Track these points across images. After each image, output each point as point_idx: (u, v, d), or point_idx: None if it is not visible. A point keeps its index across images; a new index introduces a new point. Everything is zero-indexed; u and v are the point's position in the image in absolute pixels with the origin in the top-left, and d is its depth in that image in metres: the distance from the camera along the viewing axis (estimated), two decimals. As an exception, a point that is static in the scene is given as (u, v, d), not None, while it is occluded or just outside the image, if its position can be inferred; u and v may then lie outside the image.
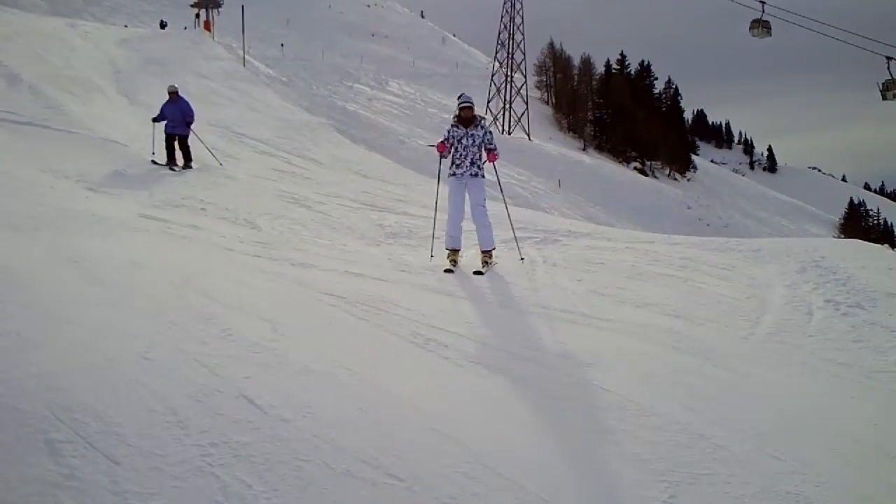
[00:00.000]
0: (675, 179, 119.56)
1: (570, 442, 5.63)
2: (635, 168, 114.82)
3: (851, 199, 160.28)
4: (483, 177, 11.82)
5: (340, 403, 5.48)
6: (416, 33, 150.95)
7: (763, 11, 35.75)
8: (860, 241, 21.25)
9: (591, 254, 13.83)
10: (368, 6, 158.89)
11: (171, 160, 20.34)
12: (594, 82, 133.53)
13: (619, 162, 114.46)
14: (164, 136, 20.55)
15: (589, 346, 7.73)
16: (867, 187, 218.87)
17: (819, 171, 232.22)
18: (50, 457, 4.21)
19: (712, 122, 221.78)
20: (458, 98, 11.90)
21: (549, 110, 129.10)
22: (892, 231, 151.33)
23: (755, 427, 6.25)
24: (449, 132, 11.84)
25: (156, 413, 4.79)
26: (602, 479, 5.21)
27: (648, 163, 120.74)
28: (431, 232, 12.47)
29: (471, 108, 11.72)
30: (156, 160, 20.03)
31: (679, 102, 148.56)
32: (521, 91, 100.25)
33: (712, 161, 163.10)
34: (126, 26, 71.03)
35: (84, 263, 8.18)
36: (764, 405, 6.97)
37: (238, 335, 6.40)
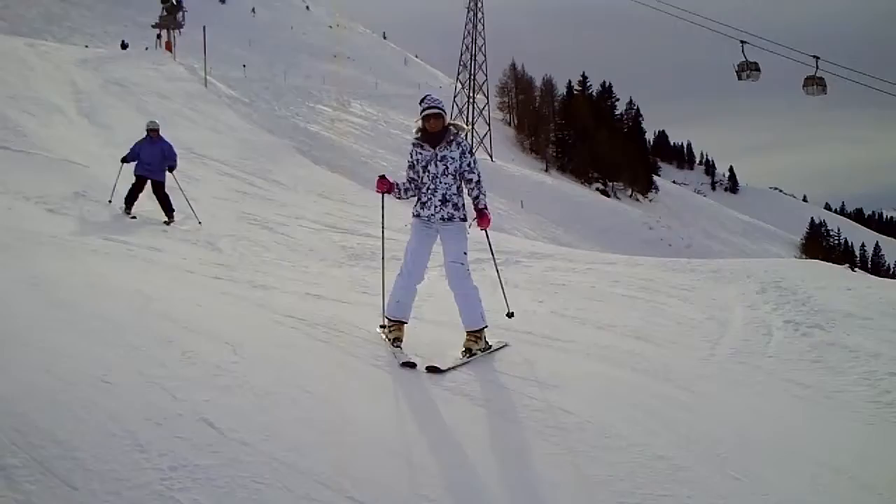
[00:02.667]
0: (637, 200, 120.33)
1: (531, 465, 5.63)
2: (597, 189, 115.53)
3: (812, 220, 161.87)
4: (463, 219, 8.01)
5: (300, 426, 5.47)
6: (378, 54, 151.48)
7: (817, 67, 35.60)
8: (820, 261, 21.52)
9: (553, 275, 13.90)
10: (331, 27, 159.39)
11: (130, 206, 17.04)
12: (556, 103, 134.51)
13: (582, 183, 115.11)
14: (131, 179, 17.36)
15: (550, 367, 7.74)
16: (828, 207, 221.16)
17: (780, 191, 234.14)
18: (5, 482, 4.18)
19: (674, 143, 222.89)
20: (422, 102, 7.99)
21: (511, 131, 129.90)
22: (853, 251, 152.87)
23: (715, 448, 6.28)
24: (412, 154, 8.11)
25: (115, 437, 4.77)
26: (562, 501, 5.21)
27: (610, 183, 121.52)
28: (381, 288, 8.78)
29: (440, 117, 7.89)
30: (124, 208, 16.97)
31: (640, 123, 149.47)
32: (484, 112, 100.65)
33: (674, 182, 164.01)
34: (87, 46, 70.73)
35: (43, 286, 8.16)
36: (723, 426, 7.01)
37: (198, 358, 6.39)
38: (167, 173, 17.69)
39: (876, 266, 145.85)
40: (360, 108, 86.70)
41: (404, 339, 7.94)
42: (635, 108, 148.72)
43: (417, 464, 5.31)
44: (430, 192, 7.95)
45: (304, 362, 7.05)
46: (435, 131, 7.89)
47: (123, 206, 17.01)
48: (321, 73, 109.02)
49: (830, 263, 20.18)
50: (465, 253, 8.00)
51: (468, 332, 7.95)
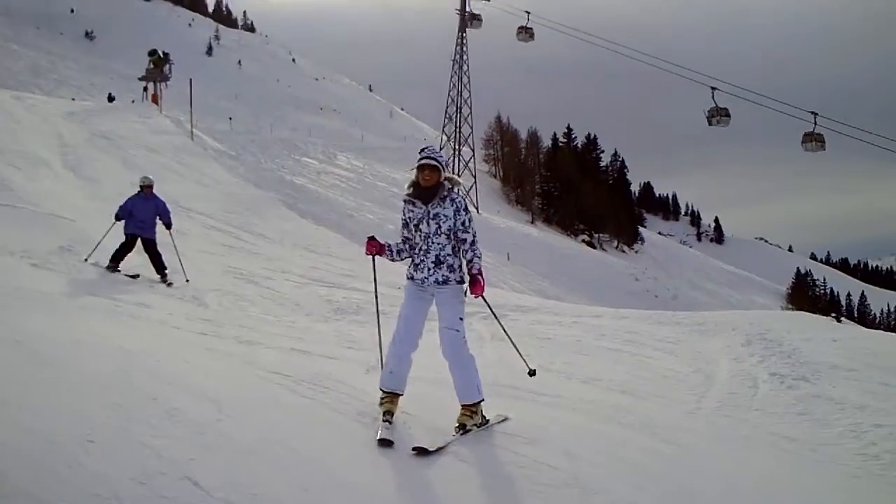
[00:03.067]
0: (623, 251, 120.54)
1: (517, 521, 5.62)
2: (583, 241, 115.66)
3: (798, 270, 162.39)
4: (460, 282, 7.37)
5: (285, 485, 5.44)
6: (363, 107, 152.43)
7: (815, 123, 35.99)
8: (805, 313, 21.58)
9: (539, 329, 13.92)
10: (316, 79, 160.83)
11: (117, 263, 16.27)
12: (541, 155, 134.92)
13: (567, 234, 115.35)
14: (120, 236, 16.66)
15: (536, 422, 7.73)
16: (813, 257, 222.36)
17: (766, 241, 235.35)
18: (-15, 547, 4.14)
19: (659, 195, 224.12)
20: (420, 153, 7.36)
21: (496, 183, 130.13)
22: (839, 300, 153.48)
23: (701, 503, 6.27)
24: (404, 212, 7.48)
25: (98, 497, 4.74)
26: (549, 559, 5.19)
27: (596, 235, 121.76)
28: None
29: (437, 170, 7.22)
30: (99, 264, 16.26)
31: (626, 175, 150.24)
32: (469, 164, 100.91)
33: (660, 233, 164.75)
34: (73, 99, 70.94)
35: (27, 342, 8.08)
36: (710, 481, 7.00)
37: (183, 416, 6.36)
38: (164, 230, 17.17)
39: (862, 315, 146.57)
40: (345, 160, 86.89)
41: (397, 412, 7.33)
42: (620, 159, 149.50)
43: (403, 522, 5.29)
44: (422, 252, 7.32)
45: (290, 419, 7.02)
46: (428, 186, 7.20)
47: (109, 263, 16.17)
48: (307, 126, 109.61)
49: (816, 315, 20.30)
50: (462, 318, 7.33)
51: (463, 406, 7.27)
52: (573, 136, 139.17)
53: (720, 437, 8.65)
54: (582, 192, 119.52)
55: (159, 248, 16.88)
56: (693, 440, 8.30)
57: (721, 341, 13.30)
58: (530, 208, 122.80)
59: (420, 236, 7.29)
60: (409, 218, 7.35)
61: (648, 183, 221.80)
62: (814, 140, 37.39)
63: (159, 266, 16.65)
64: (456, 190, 7.37)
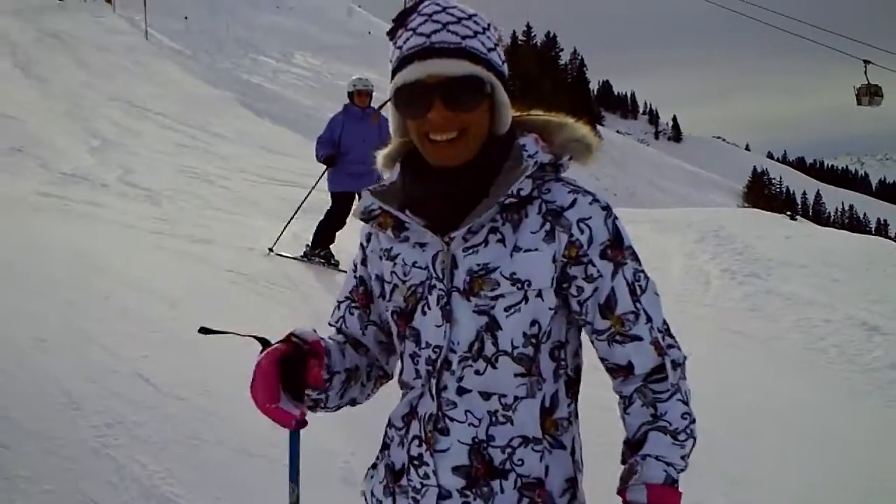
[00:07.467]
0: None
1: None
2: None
3: (755, 168, 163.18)
4: None
5: (237, 381, 5.45)
6: (321, 5, 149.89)
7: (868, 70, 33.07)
8: (758, 210, 21.72)
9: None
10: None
11: (327, 241, 10.05)
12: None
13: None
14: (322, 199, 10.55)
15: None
16: (770, 156, 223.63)
17: (723, 140, 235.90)
18: (-66, 444, 4.13)
19: (618, 93, 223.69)
20: (400, 26, 1.88)
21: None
22: (794, 199, 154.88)
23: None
24: (364, 249, 2.03)
25: (49, 395, 4.74)
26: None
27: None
28: None
29: (474, 85, 1.87)
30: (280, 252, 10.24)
31: (584, 73, 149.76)
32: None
33: (618, 131, 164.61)
34: (22, -4, 69.46)
35: (-22, 243, 8.03)
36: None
37: (135, 313, 6.36)
38: None
39: (817, 214, 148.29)
40: (303, 59, 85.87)
41: None
42: (580, 58, 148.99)
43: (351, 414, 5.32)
44: (430, 420, 1.83)
45: (244, 317, 7.03)
46: (449, 161, 1.86)
47: (315, 248, 10.05)
48: (264, 25, 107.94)
49: (769, 212, 20.44)
50: None
51: None
52: (533, 34, 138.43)
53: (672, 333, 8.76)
54: (541, 90, 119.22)
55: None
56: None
57: (675, 238, 13.38)
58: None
59: (420, 355, 1.87)
60: (389, 278, 1.95)
61: (607, 81, 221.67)
62: (869, 93, 35.15)
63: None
64: (565, 163, 1.99)
